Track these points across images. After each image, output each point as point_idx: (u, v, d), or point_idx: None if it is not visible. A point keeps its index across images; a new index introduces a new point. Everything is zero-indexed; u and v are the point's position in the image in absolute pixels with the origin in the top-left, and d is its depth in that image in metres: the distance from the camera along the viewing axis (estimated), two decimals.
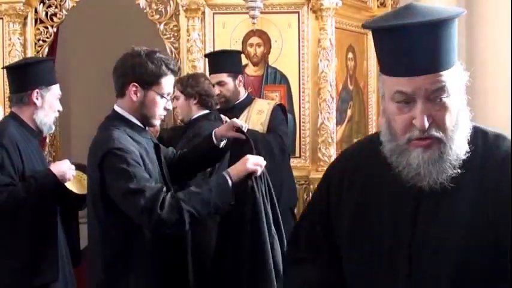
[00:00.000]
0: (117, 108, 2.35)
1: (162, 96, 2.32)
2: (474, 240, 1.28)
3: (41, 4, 4.18)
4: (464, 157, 1.31)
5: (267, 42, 4.10)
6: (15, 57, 4.05)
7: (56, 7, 4.19)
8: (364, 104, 4.66)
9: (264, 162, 2.36)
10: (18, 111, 2.79)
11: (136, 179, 2.11)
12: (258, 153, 3.23)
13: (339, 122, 4.27)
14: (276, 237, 2.34)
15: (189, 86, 3.24)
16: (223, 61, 3.67)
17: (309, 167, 4.07)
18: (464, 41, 3.92)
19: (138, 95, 2.29)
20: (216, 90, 3.57)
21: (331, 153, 4.01)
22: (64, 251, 2.88)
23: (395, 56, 1.28)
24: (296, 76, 4.09)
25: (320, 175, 3.96)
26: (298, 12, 4.08)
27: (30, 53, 4.16)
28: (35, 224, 2.67)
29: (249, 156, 2.35)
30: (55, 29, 4.23)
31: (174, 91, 3.16)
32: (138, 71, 2.27)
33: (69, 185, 2.76)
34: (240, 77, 3.67)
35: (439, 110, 1.27)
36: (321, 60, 4.00)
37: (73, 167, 2.75)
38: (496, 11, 3.74)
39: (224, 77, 3.60)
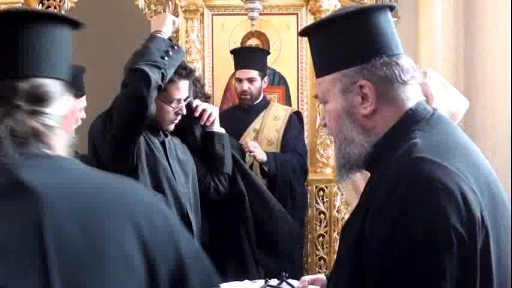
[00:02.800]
0: None
1: (170, 102, 2.36)
2: None
3: (40, 5, 4.17)
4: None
5: (266, 43, 4.10)
6: None
7: (55, 8, 4.19)
8: None
9: None
10: None
11: None
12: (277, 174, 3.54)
13: None
14: None
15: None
16: (257, 58, 3.73)
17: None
18: (463, 41, 3.92)
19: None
20: (244, 86, 3.62)
21: (329, 154, 4.00)
22: None
23: None
24: (295, 77, 4.09)
25: (318, 176, 3.99)
26: (297, 14, 4.08)
27: None
28: None
29: None
30: None
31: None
32: None
33: None
34: (265, 79, 3.75)
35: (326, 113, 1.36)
36: None
37: None
38: (494, 10, 3.75)
39: (256, 74, 3.66)
